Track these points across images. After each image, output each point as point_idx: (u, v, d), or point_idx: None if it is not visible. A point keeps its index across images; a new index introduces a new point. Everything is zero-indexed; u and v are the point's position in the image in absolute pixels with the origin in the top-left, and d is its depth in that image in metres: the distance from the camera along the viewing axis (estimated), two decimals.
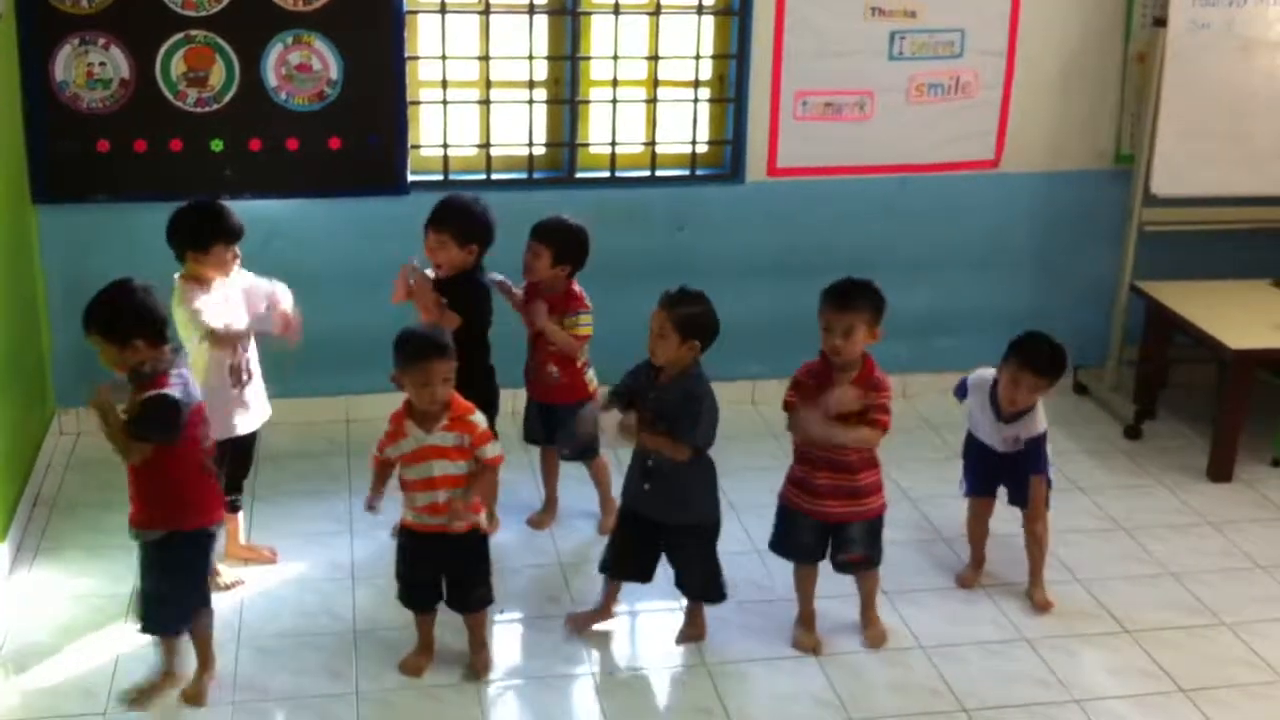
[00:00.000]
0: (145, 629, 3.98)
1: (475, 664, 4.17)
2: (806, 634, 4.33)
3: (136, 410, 3.77)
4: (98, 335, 3.81)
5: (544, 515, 5.03)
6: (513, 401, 5.24)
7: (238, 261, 4.44)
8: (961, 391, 4.64)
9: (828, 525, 4.25)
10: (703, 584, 4.32)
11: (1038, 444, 4.51)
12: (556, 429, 4.88)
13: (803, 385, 4.16)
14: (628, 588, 4.40)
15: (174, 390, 3.76)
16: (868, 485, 4.21)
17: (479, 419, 3.98)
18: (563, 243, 4.72)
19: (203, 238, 4.35)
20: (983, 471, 4.62)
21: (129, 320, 3.79)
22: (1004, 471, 4.59)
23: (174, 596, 3.93)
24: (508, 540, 4.90)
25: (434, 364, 3.87)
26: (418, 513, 4.01)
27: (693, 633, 4.36)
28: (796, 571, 4.37)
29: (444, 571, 4.10)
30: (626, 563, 4.32)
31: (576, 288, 4.79)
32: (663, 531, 4.25)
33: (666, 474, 4.15)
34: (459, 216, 4.60)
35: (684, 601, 4.51)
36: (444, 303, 4.51)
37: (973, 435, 4.63)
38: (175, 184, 5.20)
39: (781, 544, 4.36)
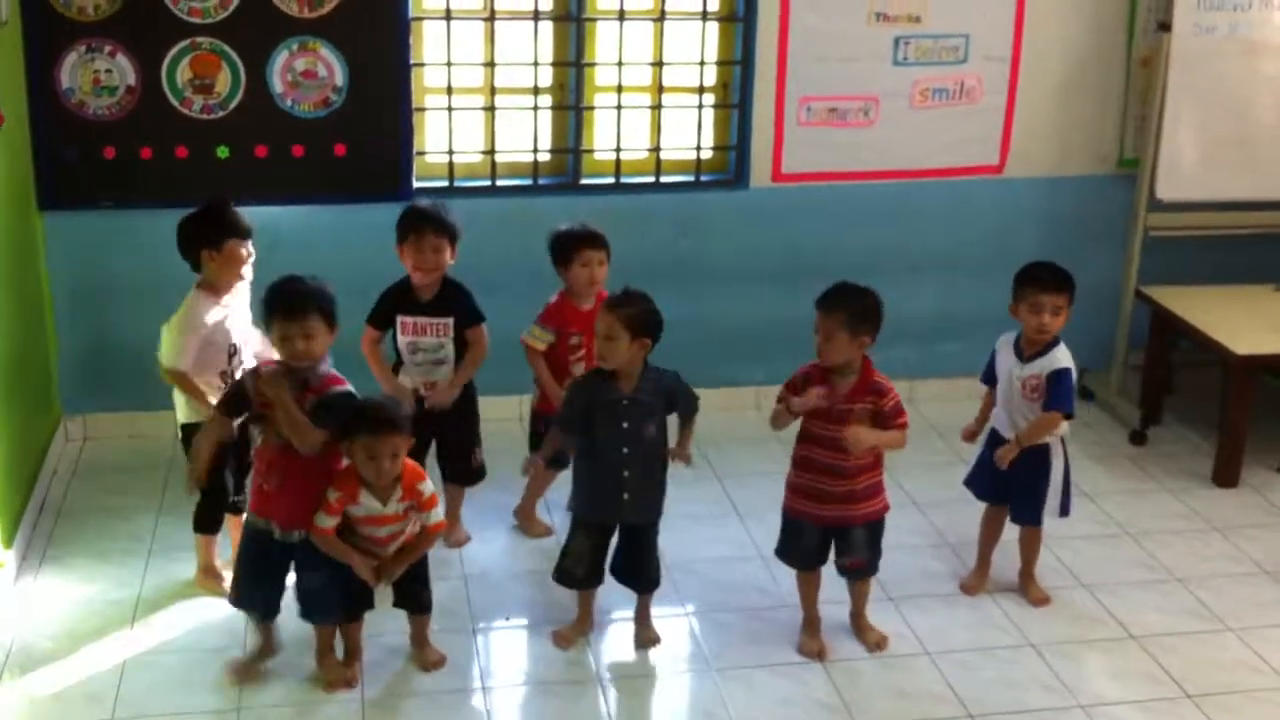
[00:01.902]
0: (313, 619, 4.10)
1: (427, 660, 4.19)
2: (811, 639, 4.33)
3: (327, 402, 3.89)
4: (320, 318, 3.90)
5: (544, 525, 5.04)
6: (519, 408, 5.28)
7: (251, 259, 4.47)
8: (989, 376, 4.60)
9: (830, 530, 4.25)
10: (656, 571, 4.35)
11: (1059, 377, 4.40)
12: None
13: (794, 385, 4.19)
14: (631, 593, 4.41)
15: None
16: (868, 487, 4.21)
17: (426, 486, 3.96)
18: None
19: (217, 233, 4.40)
20: (994, 475, 4.58)
21: (333, 306, 3.98)
22: (1013, 481, 4.56)
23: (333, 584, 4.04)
24: (510, 548, 4.91)
25: (385, 438, 3.82)
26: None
27: (651, 635, 4.36)
28: (800, 578, 4.37)
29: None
30: (595, 572, 4.33)
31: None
32: (626, 532, 4.29)
33: (644, 481, 4.19)
34: (448, 222, 4.62)
35: (688, 607, 4.53)
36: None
37: (993, 433, 4.59)
38: (181, 190, 5.20)
39: (785, 551, 4.36)
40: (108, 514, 5.03)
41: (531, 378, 4.86)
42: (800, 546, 4.31)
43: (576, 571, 4.31)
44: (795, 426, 4.24)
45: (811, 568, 4.34)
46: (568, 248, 4.76)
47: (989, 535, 4.71)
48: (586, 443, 4.19)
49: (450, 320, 4.64)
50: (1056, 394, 4.40)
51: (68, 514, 5.05)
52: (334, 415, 3.85)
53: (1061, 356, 4.44)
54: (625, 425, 4.12)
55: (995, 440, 4.58)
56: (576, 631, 4.36)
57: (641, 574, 4.34)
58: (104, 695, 4.01)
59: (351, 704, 4.00)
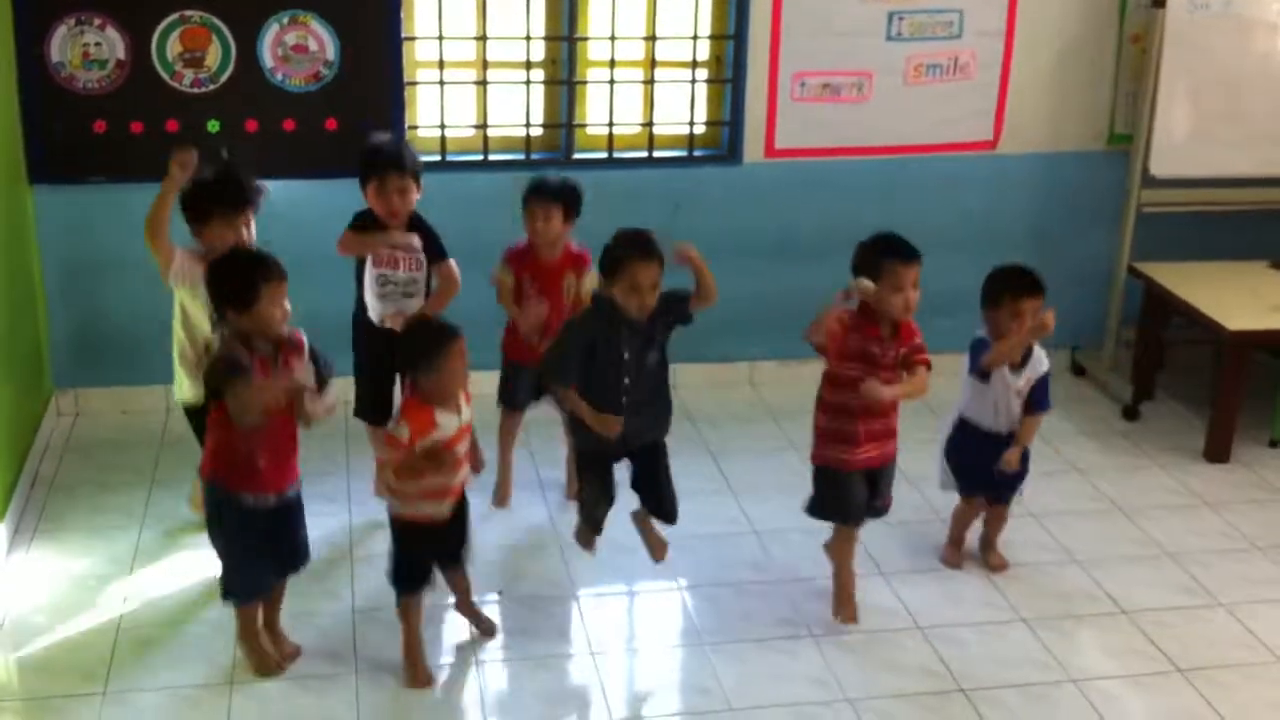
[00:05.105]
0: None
1: (485, 627, 4.25)
2: (846, 606, 4.34)
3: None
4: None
5: (504, 491, 5.03)
6: None
7: (245, 235, 4.40)
8: (973, 366, 4.53)
9: (868, 473, 4.24)
10: (674, 498, 4.30)
11: (1046, 380, 4.51)
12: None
13: (835, 333, 4.10)
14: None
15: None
16: (894, 426, 4.24)
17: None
18: (572, 200, 4.72)
19: (197, 208, 4.37)
20: (978, 470, 4.58)
21: None
22: (991, 467, 4.55)
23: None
24: (502, 523, 4.91)
25: (459, 346, 3.86)
26: (436, 497, 3.95)
27: (661, 542, 4.36)
28: (844, 540, 4.31)
29: (445, 541, 4.08)
30: (610, 500, 4.31)
31: (576, 244, 4.79)
32: (637, 456, 4.24)
33: (651, 399, 4.16)
34: (410, 162, 4.58)
35: (681, 582, 4.54)
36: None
37: (968, 428, 4.57)
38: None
39: (838, 508, 4.28)
40: (100, 488, 5.02)
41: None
42: (855, 498, 4.24)
43: (598, 513, 4.29)
44: (814, 379, 4.20)
45: (861, 520, 4.31)
46: (524, 197, 4.75)
47: (963, 524, 4.73)
48: (585, 375, 4.12)
49: (422, 254, 4.60)
50: (1043, 396, 4.51)
51: (60, 488, 5.04)
52: (404, 347, 3.94)
53: (1044, 359, 4.51)
54: (626, 355, 4.08)
55: (969, 439, 4.56)
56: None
57: (662, 500, 4.28)
58: (96, 670, 4.01)
59: (344, 678, 4.01)
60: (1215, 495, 5.27)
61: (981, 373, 4.48)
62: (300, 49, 5.35)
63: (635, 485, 4.32)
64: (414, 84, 5.59)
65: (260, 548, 3.94)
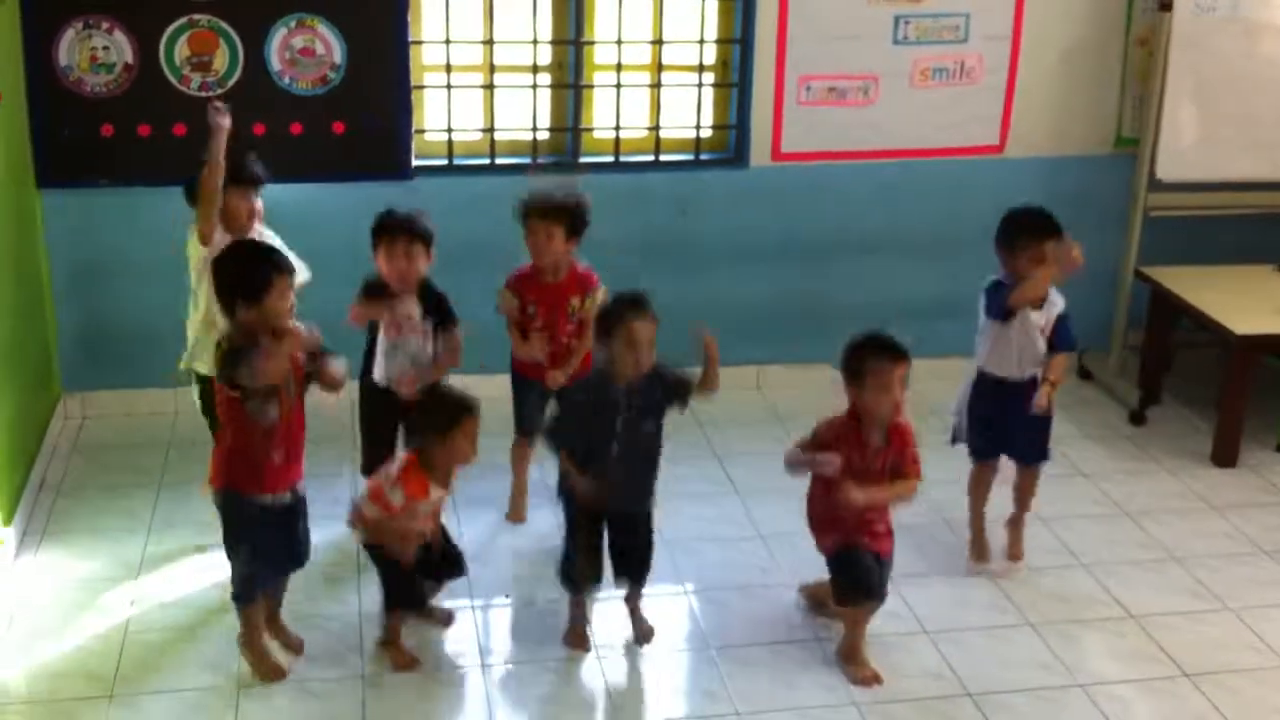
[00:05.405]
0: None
1: (442, 616, 4.33)
2: (864, 667, 4.13)
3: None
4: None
5: (518, 509, 5.02)
6: (507, 388, 5.26)
7: (254, 218, 4.46)
8: (994, 308, 4.49)
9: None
10: (645, 565, 4.24)
11: (1065, 319, 4.51)
12: None
13: (823, 445, 4.00)
14: None
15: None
16: (889, 523, 4.12)
17: None
18: (576, 218, 4.62)
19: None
20: (999, 424, 4.57)
21: None
22: (1012, 420, 4.55)
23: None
24: (507, 527, 4.93)
25: (472, 425, 3.90)
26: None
27: (648, 628, 4.29)
28: (863, 615, 4.12)
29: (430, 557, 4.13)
30: (598, 568, 4.21)
31: (581, 265, 4.75)
32: (618, 521, 4.16)
33: (632, 475, 4.08)
34: (418, 227, 4.46)
35: (687, 586, 4.54)
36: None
37: (988, 380, 4.55)
38: (179, 168, 5.18)
39: (858, 586, 4.05)
40: (107, 491, 5.03)
41: None
42: (872, 573, 4.04)
43: (578, 569, 4.18)
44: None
45: (883, 596, 4.11)
46: (522, 213, 4.65)
47: (980, 496, 4.71)
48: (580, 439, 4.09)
49: (430, 324, 4.54)
50: (1066, 334, 4.51)
51: (67, 491, 5.05)
52: (421, 412, 3.97)
53: (1059, 298, 4.53)
54: (619, 426, 4.01)
55: (991, 391, 4.56)
56: (579, 637, 4.27)
57: (630, 562, 4.21)
58: (103, 672, 4.02)
59: (350, 682, 4.01)
60: (1222, 499, 5.26)
61: (1003, 314, 4.45)
62: (307, 52, 5.36)
63: (610, 550, 4.22)
64: (421, 88, 5.59)
65: (273, 545, 3.97)
